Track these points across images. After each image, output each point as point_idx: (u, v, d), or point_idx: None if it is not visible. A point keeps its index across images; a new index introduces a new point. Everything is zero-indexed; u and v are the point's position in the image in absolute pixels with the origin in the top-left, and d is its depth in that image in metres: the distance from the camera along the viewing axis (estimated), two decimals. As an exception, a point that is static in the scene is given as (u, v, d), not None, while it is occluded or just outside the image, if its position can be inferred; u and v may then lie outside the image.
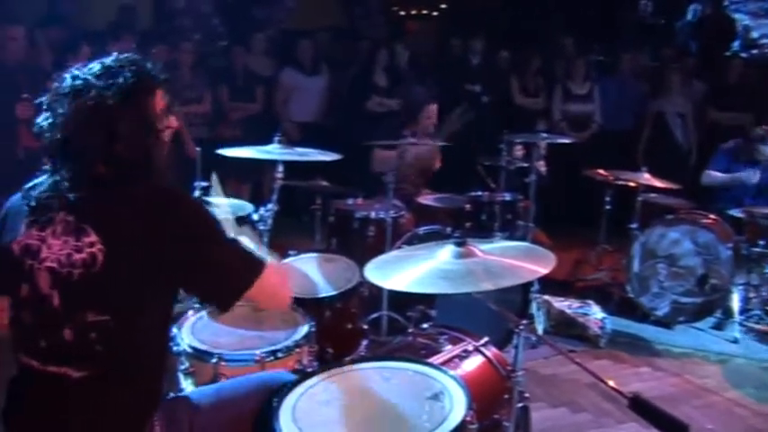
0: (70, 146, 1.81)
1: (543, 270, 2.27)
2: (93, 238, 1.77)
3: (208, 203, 3.03)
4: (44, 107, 1.86)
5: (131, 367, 1.85)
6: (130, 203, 1.82)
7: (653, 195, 5.58)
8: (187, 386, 2.58)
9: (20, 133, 4.81)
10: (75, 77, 1.85)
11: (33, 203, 1.84)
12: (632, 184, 5.37)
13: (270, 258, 2.07)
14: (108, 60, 1.89)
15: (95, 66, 1.87)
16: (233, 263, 1.92)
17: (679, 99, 7.21)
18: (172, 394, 2.18)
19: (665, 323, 5.10)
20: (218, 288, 1.92)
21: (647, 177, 5.28)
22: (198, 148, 3.80)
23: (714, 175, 5.80)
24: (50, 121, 1.83)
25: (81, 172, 1.80)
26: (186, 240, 1.83)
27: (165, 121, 1.97)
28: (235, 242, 1.98)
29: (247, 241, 2.10)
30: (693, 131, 7.29)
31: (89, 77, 1.84)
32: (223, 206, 2.57)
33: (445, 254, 2.35)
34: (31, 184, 1.90)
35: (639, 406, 2.06)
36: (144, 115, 1.87)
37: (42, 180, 1.87)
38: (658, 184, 5.30)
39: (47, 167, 1.87)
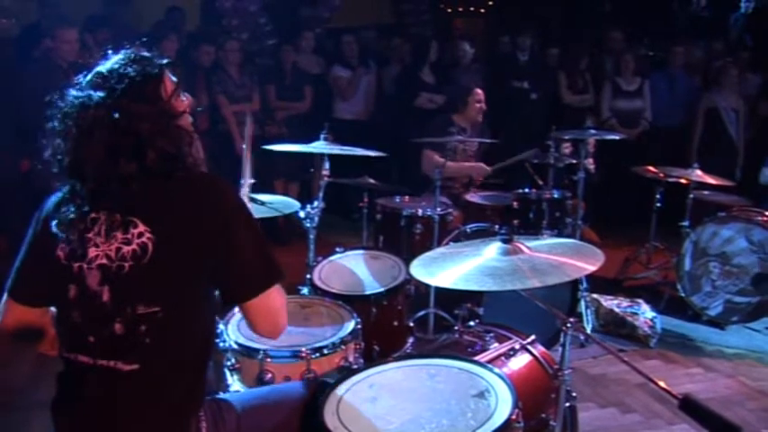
0: (90, 162, 1.79)
1: (591, 268, 2.24)
2: (141, 228, 1.79)
3: (253, 200, 3.06)
4: (54, 129, 1.83)
5: (178, 361, 1.85)
6: (172, 193, 1.83)
7: (705, 192, 5.49)
8: (233, 382, 2.61)
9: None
10: (77, 96, 1.82)
11: (71, 213, 1.83)
12: (684, 181, 5.28)
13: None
14: (106, 66, 1.87)
15: (93, 76, 1.86)
16: (251, 263, 1.88)
17: (733, 94, 7.04)
18: (221, 394, 2.18)
19: (718, 323, 5.00)
20: (233, 283, 1.89)
21: (698, 174, 5.18)
22: (244, 146, 3.82)
23: None
24: (64, 142, 1.81)
25: (111, 177, 1.79)
26: (221, 229, 1.82)
27: (179, 102, 1.94)
28: (264, 241, 1.93)
29: None
30: (744, 127, 7.12)
31: (91, 91, 1.82)
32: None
33: (491, 251, 2.33)
34: (58, 198, 1.89)
35: (691, 407, 2.01)
36: (158, 105, 1.86)
37: (70, 189, 1.86)
38: (710, 180, 5.20)
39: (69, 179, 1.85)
